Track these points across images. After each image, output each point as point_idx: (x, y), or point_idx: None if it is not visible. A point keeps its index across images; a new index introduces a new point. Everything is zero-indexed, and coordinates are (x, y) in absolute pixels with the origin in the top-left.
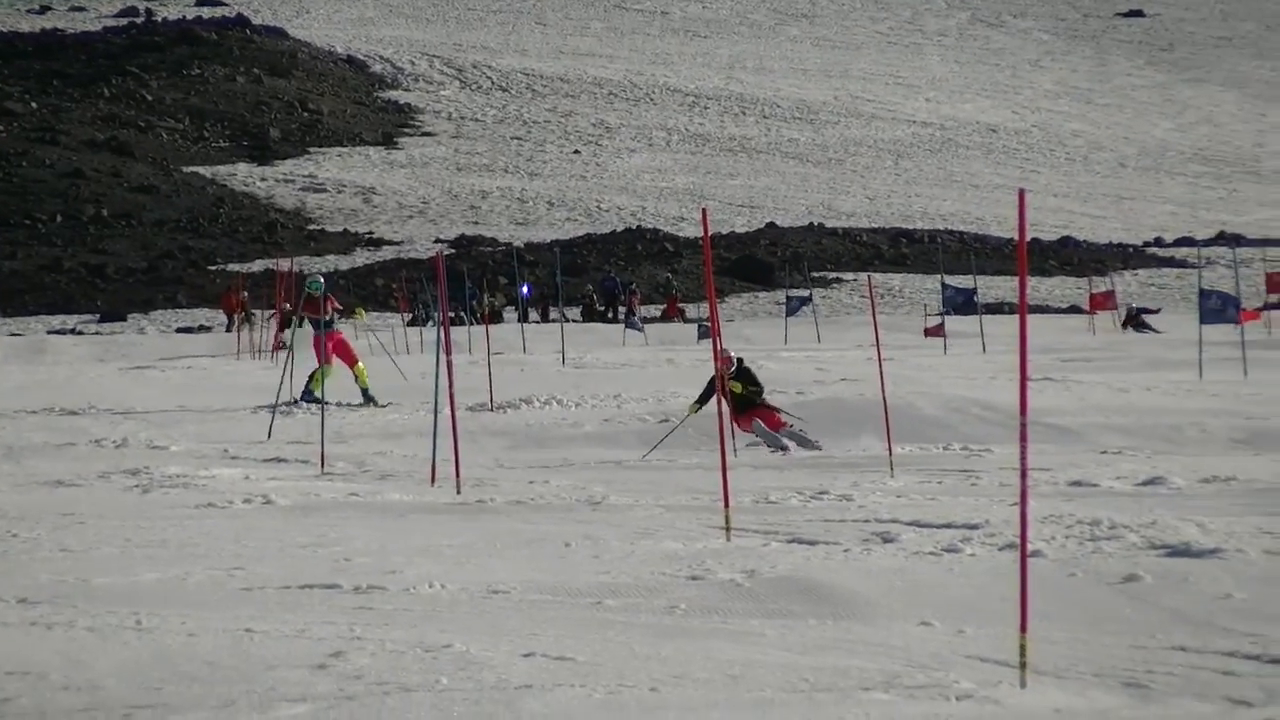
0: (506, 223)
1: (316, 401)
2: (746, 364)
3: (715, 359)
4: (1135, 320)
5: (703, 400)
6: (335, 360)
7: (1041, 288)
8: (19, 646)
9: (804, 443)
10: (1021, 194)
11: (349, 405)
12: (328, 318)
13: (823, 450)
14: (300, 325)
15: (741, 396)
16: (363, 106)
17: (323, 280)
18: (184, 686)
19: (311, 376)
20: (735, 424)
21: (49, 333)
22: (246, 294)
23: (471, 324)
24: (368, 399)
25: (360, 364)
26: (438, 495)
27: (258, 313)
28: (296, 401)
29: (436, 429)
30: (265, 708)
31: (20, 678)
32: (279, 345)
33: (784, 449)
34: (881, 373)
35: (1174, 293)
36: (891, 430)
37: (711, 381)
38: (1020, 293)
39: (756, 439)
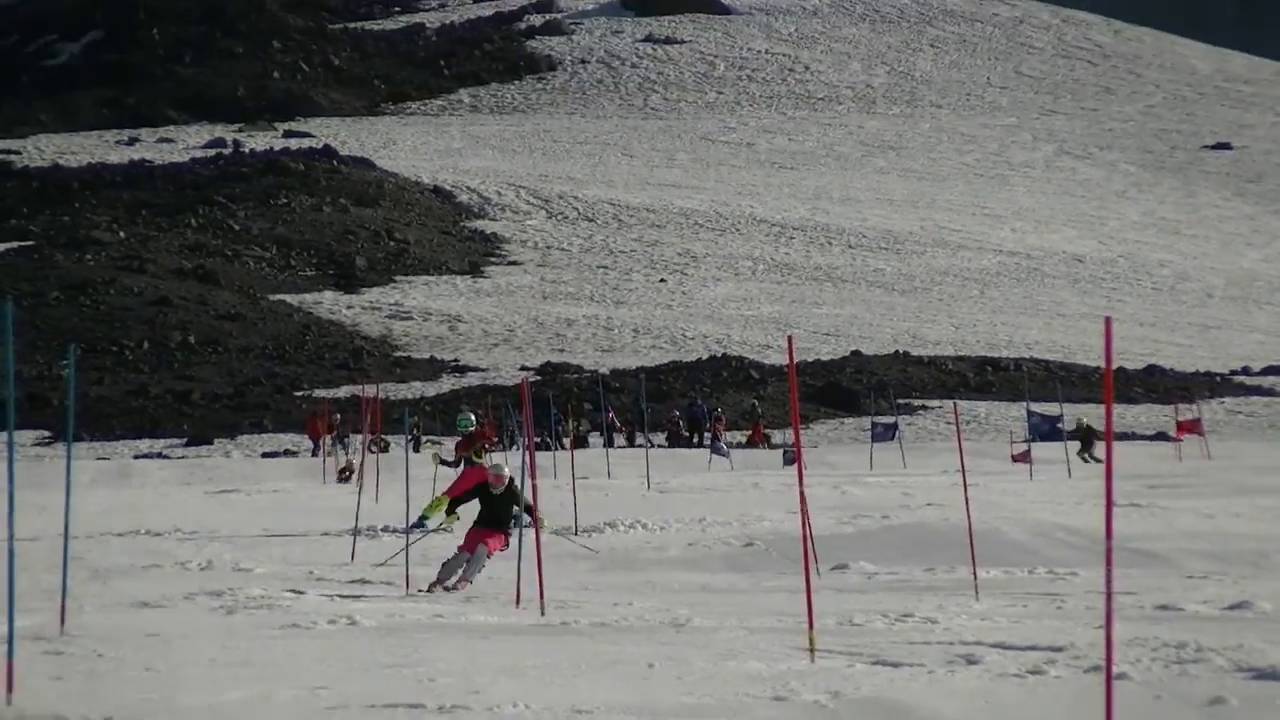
0: (592, 350)
1: (423, 528)
2: (516, 486)
3: (799, 478)
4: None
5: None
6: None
7: (1128, 415)
8: None
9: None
10: (1108, 321)
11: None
12: (476, 450)
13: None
14: (458, 466)
15: (492, 514)
16: (449, 236)
17: (474, 416)
18: None
19: (430, 505)
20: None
21: (135, 457)
22: (339, 417)
23: (557, 449)
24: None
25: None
26: (522, 617)
27: (350, 439)
28: (413, 528)
29: (521, 552)
30: None
31: None
32: (346, 472)
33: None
34: (966, 498)
35: (1262, 420)
36: (976, 554)
37: (476, 489)
38: (1106, 419)
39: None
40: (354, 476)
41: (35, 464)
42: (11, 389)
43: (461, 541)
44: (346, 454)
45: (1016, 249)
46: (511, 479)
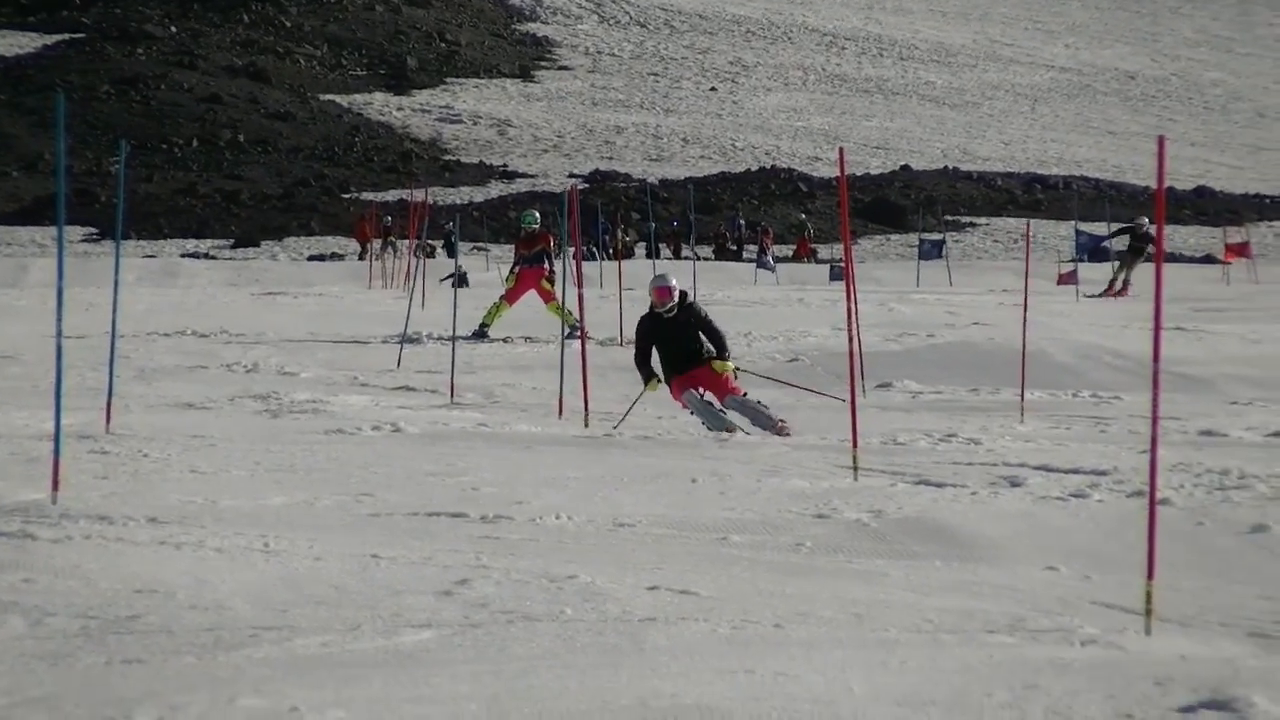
0: (641, 159)
1: (484, 338)
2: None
3: (848, 294)
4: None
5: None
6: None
7: (1176, 236)
8: (148, 565)
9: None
10: (1161, 141)
11: (500, 340)
12: (536, 251)
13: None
14: (516, 269)
15: (680, 351)
16: (500, 39)
17: (538, 215)
18: (310, 610)
19: (489, 310)
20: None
21: (182, 256)
22: (390, 219)
23: (603, 259)
24: (573, 332)
25: (556, 301)
26: (565, 428)
27: (399, 242)
28: (473, 335)
29: (564, 362)
30: (390, 633)
31: (149, 595)
32: (408, 279)
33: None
34: (1025, 319)
35: None
36: (1025, 375)
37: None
38: (1158, 240)
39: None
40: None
41: (83, 260)
42: (61, 184)
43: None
44: (395, 257)
45: (1069, 65)
46: (684, 292)
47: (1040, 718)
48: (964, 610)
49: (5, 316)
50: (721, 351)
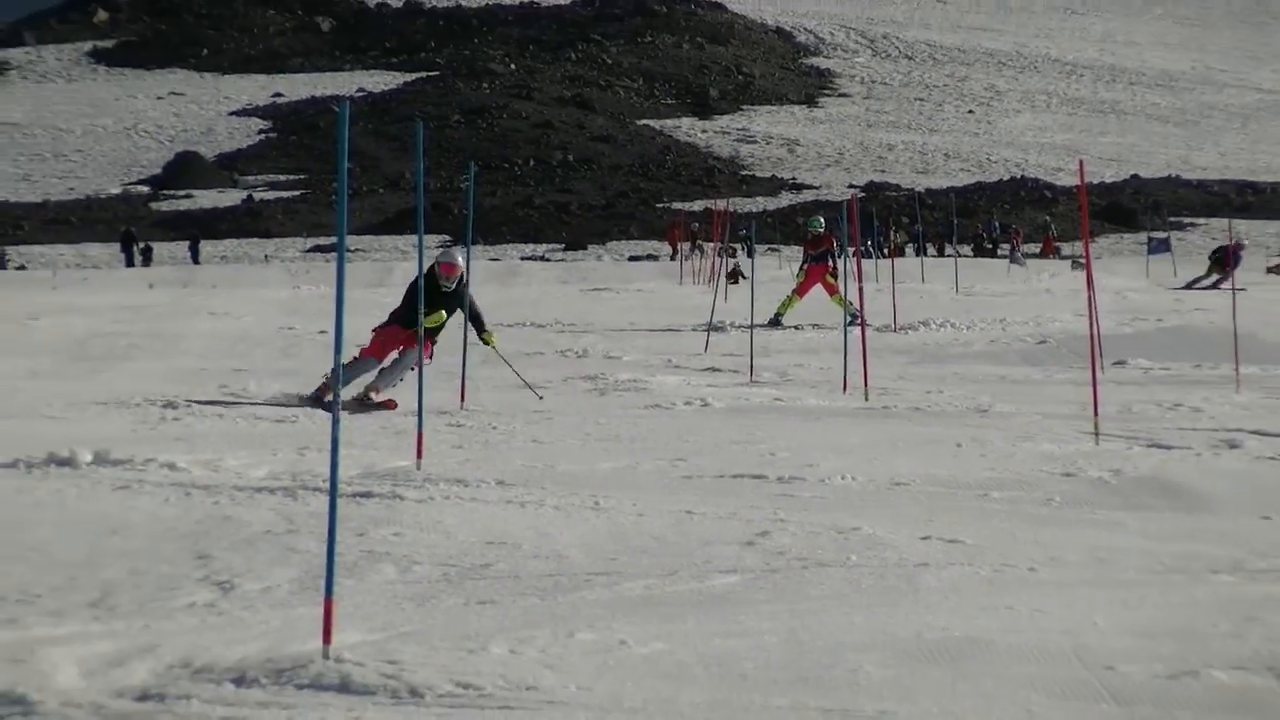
0: (909, 171)
1: (778, 326)
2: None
3: (1089, 285)
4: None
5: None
6: (808, 295)
7: None
8: (497, 521)
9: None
10: None
11: (793, 328)
12: (821, 251)
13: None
14: (804, 266)
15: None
16: (789, 71)
17: (823, 220)
18: (634, 558)
19: (782, 302)
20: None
21: (521, 259)
22: (697, 225)
23: (878, 258)
24: (854, 320)
25: (839, 294)
26: (848, 401)
27: (705, 245)
28: (769, 323)
29: (847, 345)
30: (702, 577)
31: (499, 547)
32: (713, 276)
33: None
34: (1235, 306)
35: None
36: (1239, 353)
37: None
38: None
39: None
40: (738, 278)
41: None
42: (420, 199)
43: (369, 344)
44: (701, 257)
45: (1276, 88)
46: (463, 275)
47: (1258, 644)
48: (1191, 554)
49: (376, 312)
50: (484, 326)
